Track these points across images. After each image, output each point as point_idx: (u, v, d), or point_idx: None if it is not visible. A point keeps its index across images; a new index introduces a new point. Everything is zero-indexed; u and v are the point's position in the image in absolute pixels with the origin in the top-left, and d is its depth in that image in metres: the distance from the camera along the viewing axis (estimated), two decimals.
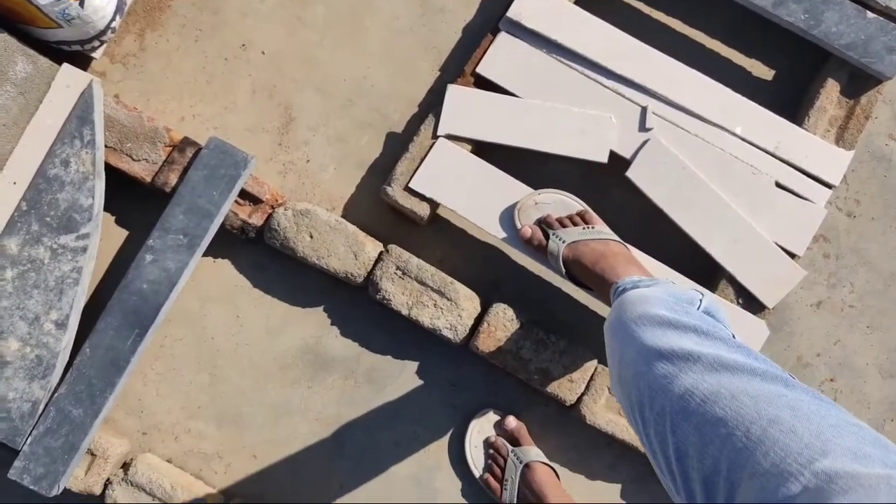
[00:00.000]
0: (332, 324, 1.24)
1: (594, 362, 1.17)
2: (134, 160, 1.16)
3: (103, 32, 1.18)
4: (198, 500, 1.15)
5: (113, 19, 1.18)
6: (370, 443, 1.23)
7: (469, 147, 1.20)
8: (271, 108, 1.28)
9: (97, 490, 1.14)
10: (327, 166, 1.28)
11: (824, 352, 1.26)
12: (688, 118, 1.20)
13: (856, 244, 1.28)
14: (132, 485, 1.13)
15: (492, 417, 1.21)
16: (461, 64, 1.26)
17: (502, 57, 1.21)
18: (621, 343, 0.77)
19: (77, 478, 1.13)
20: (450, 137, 1.19)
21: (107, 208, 1.19)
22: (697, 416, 0.60)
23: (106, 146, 1.15)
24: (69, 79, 1.13)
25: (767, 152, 1.19)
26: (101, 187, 1.12)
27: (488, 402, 1.24)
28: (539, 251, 1.13)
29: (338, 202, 1.27)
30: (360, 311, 1.25)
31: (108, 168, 1.15)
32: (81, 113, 1.12)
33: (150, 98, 1.27)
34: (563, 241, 1.08)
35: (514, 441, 1.19)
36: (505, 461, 1.17)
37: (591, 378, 1.17)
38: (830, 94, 1.22)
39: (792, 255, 1.18)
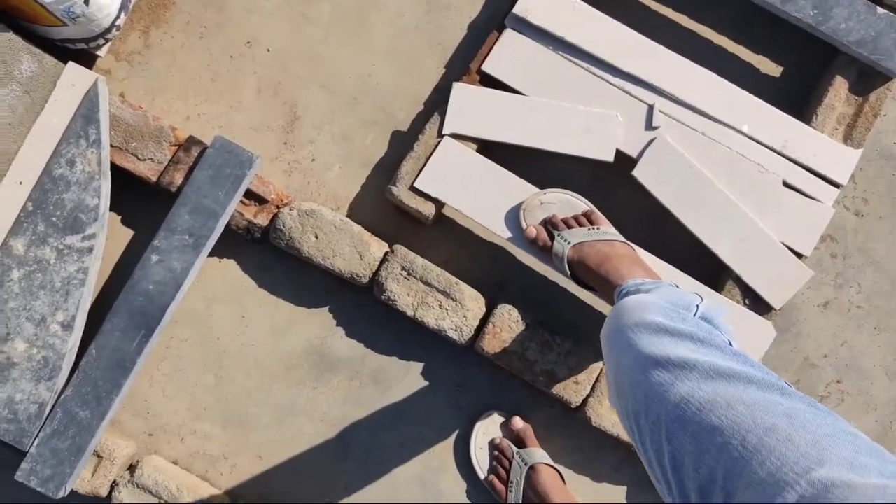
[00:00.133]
0: (337, 324, 1.24)
1: (599, 364, 1.17)
2: (139, 159, 1.16)
3: (108, 30, 1.17)
4: (204, 502, 1.15)
5: (118, 17, 1.17)
6: (375, 444, 1.23)
7: (474, 146, 1.20)
8: (276, 107, 1.28)
9: (103, 492, 1.14)
10: (332, 165, 1.27)
11: (831, 353, 1.26)
12: (694, 116, 1.19)
13: (863, 244, 1.27)
14: (138, 486, 1.14)
15: (497, 419, 1.21)
16: (467, 61, 1.25)
17: (508, 54, 1.20)
18: (618, 351, 0.76)
19: (83, 479, 1.13)
20: (455, 136, 1.19)
21: (112, 208, 1.19)
22: (693, 425, 0.60)
23: (111, 145, 1.15)
24: (74, 77, 1.13)
25: (775, 151, 1.19)
26: (107, 187, 1.12)
27: (493, 403, 1.24)
28: (544, 252, 1.12)
29: (343, 201, 1.26)
30: (365, 311, 1.24)
31: (114, 167, 1.15)
32: (87, 112, 1.12)
33: (156, 96, 1.27)
34: (568, 243, 1.08)
35: (520, 442, 1.19)
36: (510, 463, 1.17)
37: (597, 380, 1.17)
38: (839, 92, 1.21)
39: (799, 255, 1.17)
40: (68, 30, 1.12)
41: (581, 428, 1.21)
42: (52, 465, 1.07)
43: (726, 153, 1.18)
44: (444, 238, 1.26)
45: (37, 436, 1.07)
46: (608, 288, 1.00)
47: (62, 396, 1.08)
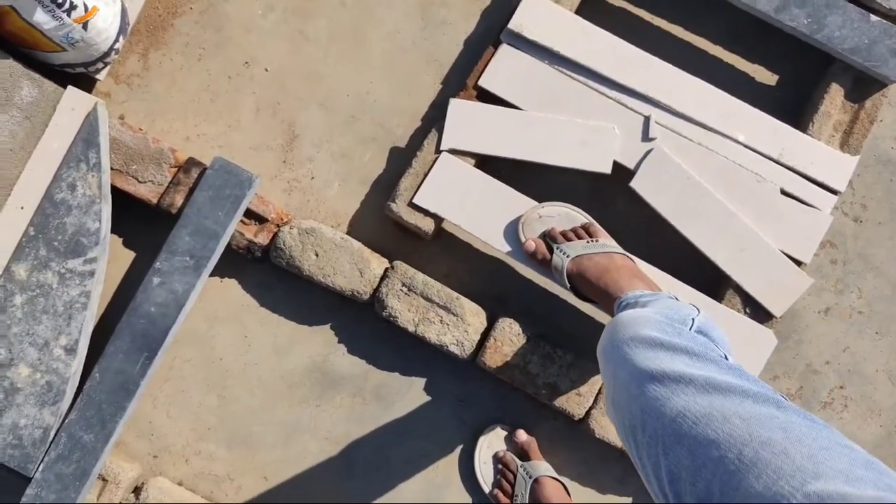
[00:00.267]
0: (339, 342, 1.25)
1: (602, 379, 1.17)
2: (140, 182, 1.16)
3: (107, 54, 1.18)
4: None
5: (116, 41, 1.18)
6: (380, 460, 1.23)
7: (472, 161, 1.20)
8: (275, 126, 1.28)
9: None
10: (332, 183, 1.28)
11: (833, 359, 1.26)
12: (691, 127, 1.20)
13: (863, 249, 1.28)
14: None
15: (500, 433, 1.21)
16: (463, 77, 1.26)
17: (504, 69, 1.21)
18: (614, 365, 0.77)
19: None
20: (453, 152, 1.19)
21: (113, 230, 1.20)
22: (690, 439, 0.61)
23: (112, 168, 1.15)
24: (74, 101, 1.14)
25: (772, 159, 1.19)
26: (108, 210, 1.13)
27: (496, 417, 1.24)
28: (543, 265, 1.13)
29: (343, 218, 1.27)
30: (366, 328, 1.25)
31: (115, 190, 1.15)
32: (87, 136, 1.12)
33: (156, 118, 1.28)
34: (567, 256, 1.08)
35: (524, 455, 1.19)
36: (514, 476, 1.17)
37: (599, 392, 1.17)
38: (835, 99, 1.22)
39: (798, 263, 1.17)
40: (67, 55, 1.13)
41: (585, 440, 1.21)
42: (57, 489, 1.07)
43: (723, 163, 1.18)
44: (443, 253, 1.26)
45: (42, 461, 1.07)
46: (608, 300, 1.01)
47: (66, 421, 1.09)
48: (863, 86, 1.22)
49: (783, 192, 1.18)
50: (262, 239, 1.19)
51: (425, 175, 1.18)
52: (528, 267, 1.16)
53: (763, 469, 0.53)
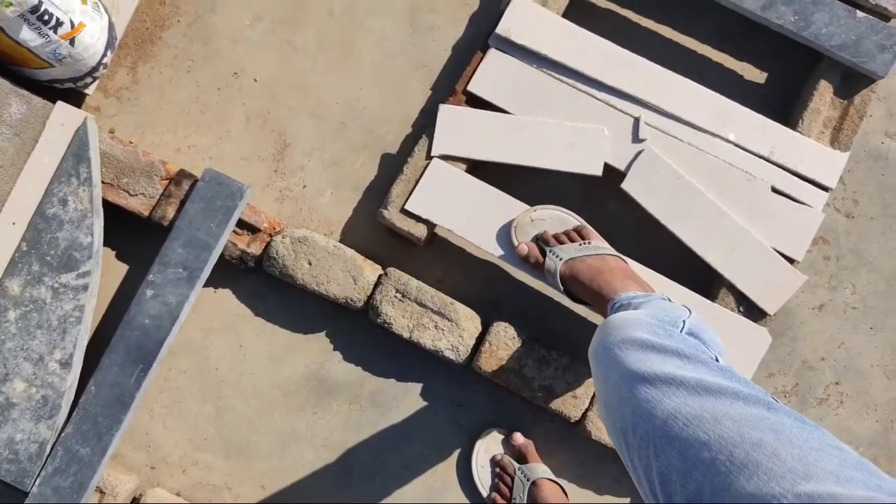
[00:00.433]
0: (334, 349, 1.25)
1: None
2: (131, 195, 1.17)
3: (95, 69, 1.19)
4: None
5: (104, 55, 1.18)
6: (377, 466, 1.24)
7: (463, 166, 1.20)
8: (266, 135, 1.29)
9: None
10: (324, 191, 1.28)
11: (828, 355, 1.26)
12: (681, 127, 1.20)
13: (856, 245, 1.28)
14: None
15: (497, 436, 1.21)
16: (453, 82, 1.26)
17: (493, 74, 1.21)
18: (605, 368, 0.77)
19: None
20: (444, 157, 1.20)
21: (106, 244, 1.20)
22: (680, 441, 0.61)
23: (103, 182, 1.16)
24: (64, 117, 1.14)
25: (762, 157, 1.19)
26: (100, 224, 1.13)
27: (493, 420, 1.24)
28: (536, 268, 1.13)
29: (335, 226, 1.27)
30: (361, 335, 1.25)
31: (106, 204, 1.16)
32: (77, 150, 1.13)
33: (146, 131, 1.28)
34: (560, 259, 1.08)
35: (521, 458, 1.19)
36: (512, 479, 1.17)
37: (595, 394, 1.17)
38: (824, 96, 1.22)
39: (791, 261, 1.17)
40: (55, 70, 1.13)
41: (581, 442, 1.21)
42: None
43: (714, 162, 1.19)
44: (437, 258, 1.26)
45: (38, 475, 1.07)
46: (601, 302, 1.01)
47: (63, 434, 1.09)
48: (851, 82, 1.23)
49: (774, 190, 1.18)
50: (255, 249, 1.19)
51: (417, 181, 1.19)
52: (521, 270, 1.16)
53: (754, 470, 0.53)
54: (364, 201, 1.28)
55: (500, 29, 1.21)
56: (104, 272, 1.21)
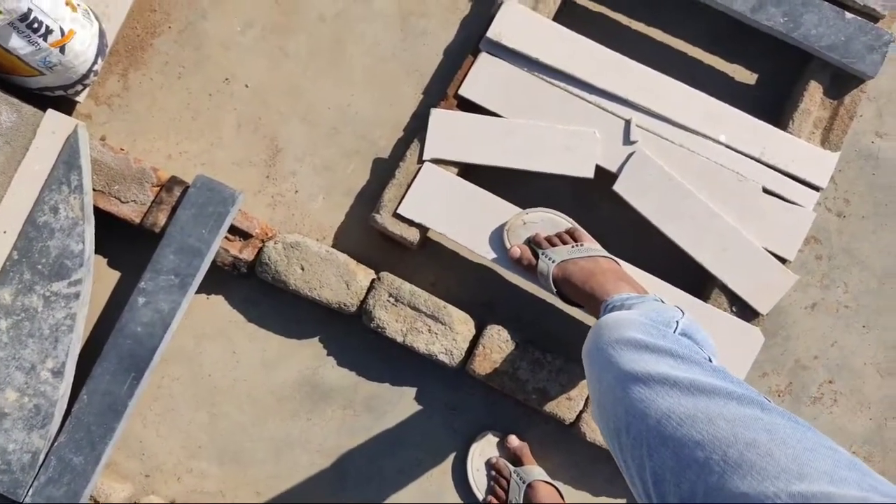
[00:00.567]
0: (328, 354, 1.25)
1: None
2: (122, 202, 1.16)
3: (86, 76, 1.18)
4: None
5: (95, 62, 1.18)
6: (373, 471, 1.23)
7: (455, 170, 1.20)
8: (257, 141, 1.29)
9: None
10: (316, 196, 1.28)
11: (822, 354, 1.26)
12: (672, 129, 1.20)
13: (847, 244, 1.28)
14: None
15: (491, 439, 1.21)
16: (444, 86, 1.27)
17: (484, 77, 1.21)
18: (599, 368, 0.77)
19: None
20: (436, 161, 1.20)
21: (97, 251, 1.20)
22: (674, 441, 0.61)
23: (94, 190, 1.15)
24: (54, 124, 1.14)
25: (753, 158, 1.20)
26: (91, 232, 1.13)
27: (488, 423, 1.24)
28: (529, 271, 1.13)
29: (328, 231, 1.27)
30: (355, 340, 1.25)
31: (97, 211, 1.15)
32: (68, 158, 1.12)
33: (137, 137, 1.28)
34: (553, 261, 1.08)
35: (516, 461, 1.19)
36: (508, 482, 1.17)
37: (589, 396, 1.17)
38: (814, 96, 1.22)
39: (783, 260, 1.18)
40: (46, 78, 1.13)
41: (576, 443, 1.21)
42: None
43: (705, 163, 1.19)
44: (430, 262, 1.26)
45: (31, 485, 1.07)
46: (594, 304, 1.01)
47: (56, 444, 1.08)
48: (841, 82, 1.23)
49: (765, 191, 1.19)
50: (248, 255, 1.19)
51: (409, 185, 1.19)
52: (514, 273, 1.16)
53: (748, 470, 0.53)
54: (356, 206, 1.28)
55: (491, 33, 1.21)
56: (96, 280, 1.21)
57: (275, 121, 1.29)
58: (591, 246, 1.11)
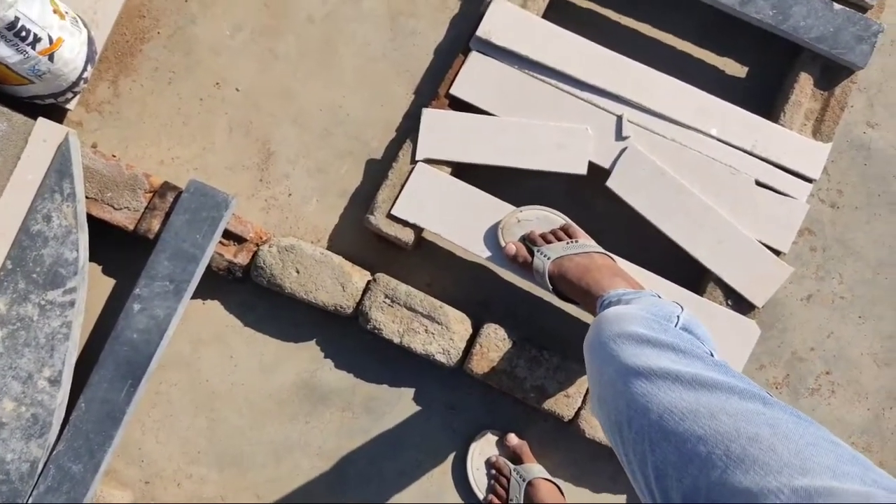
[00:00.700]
0: (325, 357, 1.25)
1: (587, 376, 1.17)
2: (115, 209, 1.16)
3: (76, 83, 1.18)
4: None
5: (84, 70, 1.18)
6: (373, 473, 1.23)
7: (448, 169, 1.21)
8: (249, 145, 1.28)
9: None
10: (310, 198, 1.28)
11: (818, 345, 1.27)
12: (664, 123, 1.20)
13: (841, 235, 1.28)
14: None
15: (491, 438, 1.21)
16: (435, 86, 1.26)
17: (475, 76, 1.21)
18: (600, 362, 0.77)
19: None
20: (428, 161, 1.20)
21: (92, 258, 1.19)
22: (676, 435, 0.61)
23: (87, 197, 1.15)
24: (45, 133, 1.13)
25: (745, 151, 1.20)
26: (85, 240, 1.12)
27: (487, 422, 1.24)
28: (525, 268, 1.13)
29: (322, 233, 1.27)
30: (352, 341, 1.25)
31: (91, 219, 1.15)
32: (60, 166, 1.12)
33: (129, 144, 1.28)
34: (548, 258, 1.08)
35: (516, 459, 1.19)
36: (508, 481, 1.17)
37: (587, 392, 1.17)
38: (804, 88, 1.23)
39: (777, 253, 1.18)
40: (35, 87, 1.13)
41: (575, 440, 1.21)
42: None
43: (698, 157, 1.19)
44: (425, 262, 1.26)
45: (31, 494, 1.06)
46: (590, 300, 1.01)
47: (54, 452, 1.08)
48: (831, 73, 1.23)
49: (758, 184, 1.19)
50: (242, 259, 1.19)
51: (402, 186, 1.19)
52: (509, 271, 1.17)
53: (750, 465, 0.53)
54: (350, 208, 1.28)
55: (481, 31, 1.21)
56: (91, 287, 1.20)
57: (266, 124, 1.29)
58: (585, 242, 1.11)
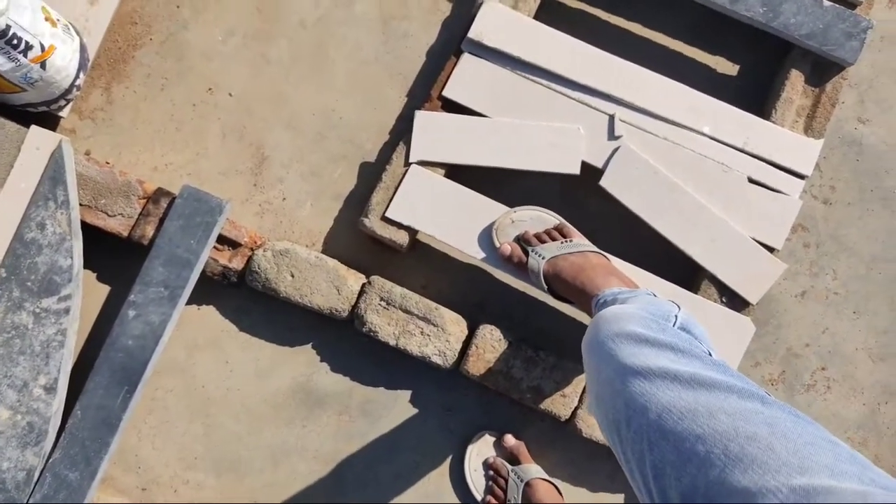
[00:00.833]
0: (321, 360, 1.25)
1: (584, 375, 1.17)
2: (109, 216, 1.16)
3: (68, 91, 1.18)
4: None
5: (77, 77, 1.18)
6: (371, 477, 1.23)
7: (442, 171, 1.21)
8: (243, 150, 1.29)
9: None
10: (304, 202, 1.28)
11: (813, 341, 1.27)
12: (656, 122, 1.20)
13: (834, 231, 1.29)
14: None
15: (488, 439, 1.21)
16: (428, 88, 1.27)
17: (467, 78, 1.21)
18: (598, 361, 0.77)
19: None
20: (422, 163, 1.20)
21: (86, 266, 1.19)
22: (675, 434, 0.61)
23: (80, 204, 1.15)
24: (38, 141, 1.13)
25: (737, 149, 1.20)
26: (79, 247, 1.12)
27: (484, 423, 1.24)
28: (520, 268, 1.13)
29: (317, 237, 1.27)
30: (348, 344, 1.25)
31: (85, 226, 1.15)
32: (53, 174, 1.12)
33: (122, 150, 1.28)
34: (543, 257, 1.09)
35: (514, 460, 1.19)
36: (506, 481, 1.17)
37: (584, 391, 1.17)
38: (795, 85, 1.23)
39: (771, 249, 1.18)
40: (28, 94, 1.13)
41: (573, 440, 1.21)
42: None
43: (690, 155, 1.19)
44: (420, 264, 1.26)
45: (27, 503, 1.06)
46: (585, 299, 1.01)
47: (50, 460, 1.08)
48: (822, 70, 1.24)
49: (751, 181, 1.19)
50: (237, 264, 1.19)
51: (396, 188, 1.19)
52: (504, 272, 1.17)
53: (749, 464, 0.53)
54: (344, 211, 1.28)
55: (473, 33, 1.21)
56: (85, 294, 1.20)
57: (260, 128, 1.29)
58: (579, 241, 1.11)
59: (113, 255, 1.23)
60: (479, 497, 1.20)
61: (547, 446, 1.23)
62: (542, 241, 1.12)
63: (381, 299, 1.17)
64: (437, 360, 1.17)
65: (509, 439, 1.20)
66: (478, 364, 1.16)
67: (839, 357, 1.27)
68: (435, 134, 1.20)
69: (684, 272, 1.21)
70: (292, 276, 1.17)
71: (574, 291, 1.04)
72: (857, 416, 1.26)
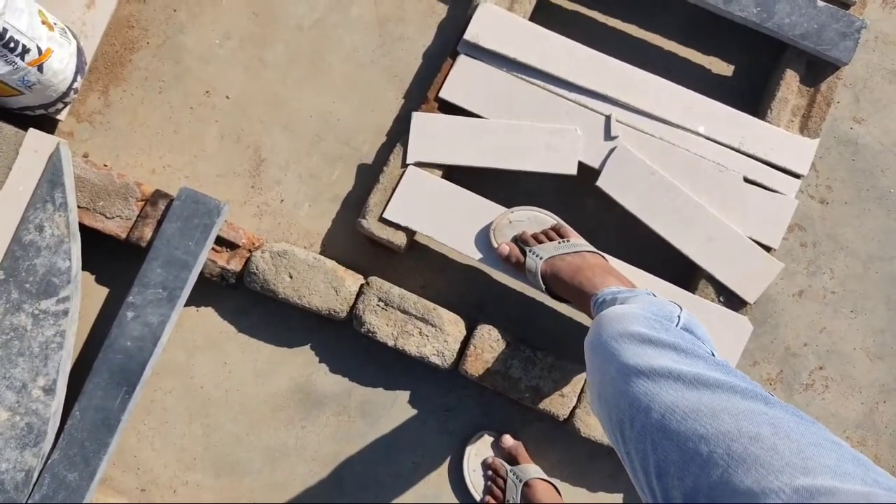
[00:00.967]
0: (320, 361, 1.25)
1: (583, 374, 1.17)
2: (107, 218, 1.16)
3: (66, 94, 1.19)
4: None
5: (74, 80, 1.18)
6: (370, 477, 1.23)
7: (439, 172, 1.21)
8: (240, 152, 1.29)
9: None
10: (301, 204, 1.28)
11: (811, 340, 1.27)
12: (652, 123, 1.21)
13: (831, 230, 1.29)
14: None
15: (487, 440, 1.22)
16: (424, 90, 1.27)
17: (464, 79, 1.22)
18: (601, 361, 0.77)
19: None
20: (419, 164, 1.20)
21: (85, 267, 1.20)
22: (678, 434, 0.61)
23: (79, 207, 1.15)
24: (36, 143, 1.14)
25: (733, 149, 1.21)
26: (78, 249, 1.13)
27: (482, 424, 1.24)
28: (517, 269, 1.14)
29: (315, 238, 1.27)
30: (346, 345, 1.25)
31: (83, 228, 1.15)
32: (51, 176, 1.12)
33: (120, 153, 1.28)
34: (540, 258, 1.09)
35: (512, 460, 1.19)
36: (504, 482, 1.17)
37: (582, 391, 1.17)
38: (790, 85, 1.24)
39: (768, 249, 1.19)
40: (25, 98, 1.13)
41: (571, 440, 1.21)
42: None
43: (686, 156, 1.20)
44: (418, 265, 1.27)
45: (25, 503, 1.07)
46: (583, 299, 1.01)
47: (49, 461, 1.08)
48: (817, 69, 1.24)
49: (746, 181, 1.20)
50: (235, 265, 1.19)
51: (394, 189, 1.19)
52: (502, 272, 1.17)
53: (752, 464, 0.53)
54: (342, 212, 1.28)
55: (469, 35, 1.22)
56: (84, 296, 1.21)
57: (257, 131, 1.29)
58: (577, 241, 1.11)
59: (111, 257, 1.23)
60: (477, 497, 1.20)
61: (546, 446, 1.23)
62: (540, 242, 1.12)
63: (380, 300, 1.17)
64: (435, 360, 1.17)
65: (507, 440, 1.20)
66: (476, 364, 1.17)
67: (837, 356, 1.27)
68: (432, 135, 1.20)
69: (681, 272, 1.21)
70: (290, 277, 1.18)
71: (572, 291, 1.04)
72: (856, 416, 1.26)
